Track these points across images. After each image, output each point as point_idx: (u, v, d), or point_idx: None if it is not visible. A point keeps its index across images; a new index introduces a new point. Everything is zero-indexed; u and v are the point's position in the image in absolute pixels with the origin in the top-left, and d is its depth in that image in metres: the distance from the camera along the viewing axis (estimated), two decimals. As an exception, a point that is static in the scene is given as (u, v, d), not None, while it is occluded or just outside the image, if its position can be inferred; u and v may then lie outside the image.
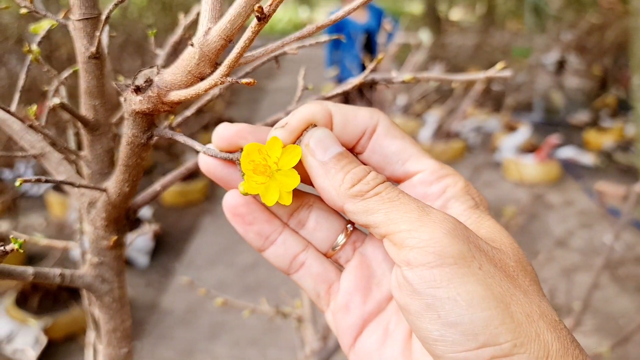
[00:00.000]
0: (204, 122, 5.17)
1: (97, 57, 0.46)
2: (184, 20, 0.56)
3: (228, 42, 0.36)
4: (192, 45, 0.36)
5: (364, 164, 0.40)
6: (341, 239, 0.44)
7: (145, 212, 4.06)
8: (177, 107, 0.39)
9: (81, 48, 0.46)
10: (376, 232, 0.38)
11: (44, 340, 2.90)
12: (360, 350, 0.43)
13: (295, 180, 0.39)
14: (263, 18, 0.31)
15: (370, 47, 4.86)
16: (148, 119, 0.39)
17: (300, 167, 0.40)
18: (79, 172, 0.51)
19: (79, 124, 0.47)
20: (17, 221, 3.46)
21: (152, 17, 6.29)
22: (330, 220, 0.45)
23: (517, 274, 0.37)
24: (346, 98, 4.86)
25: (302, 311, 0.83)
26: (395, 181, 0.43)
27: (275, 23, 17.58)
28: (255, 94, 8.01)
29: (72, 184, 0.43)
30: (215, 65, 0.37)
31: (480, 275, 0.34)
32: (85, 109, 0.47)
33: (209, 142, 0.42)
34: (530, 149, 5.37)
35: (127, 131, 0.40)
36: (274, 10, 0.31)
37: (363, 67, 4.66)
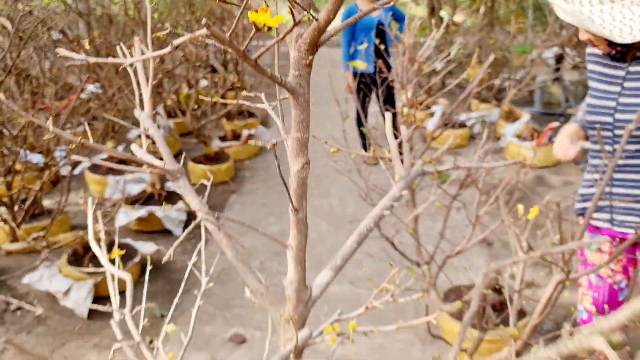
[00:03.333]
0: (226, 111, 5.48)
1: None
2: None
3: None
4: None
5: None
6: None
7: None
8: None
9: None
10: None
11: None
12: None
13: None
14: None
15: (382, 38, 5.23)
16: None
17: None
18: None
19: None
20: (66, 196, 3.80)
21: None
22: None
23: None
24: (358, 91, 5.20)
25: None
26: None
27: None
28: (273, 88, 8.31)
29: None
30: None
31: None
32: None
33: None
34: (531, 136, 5.71)
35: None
36: None
37: (379, 56, 5.02)
